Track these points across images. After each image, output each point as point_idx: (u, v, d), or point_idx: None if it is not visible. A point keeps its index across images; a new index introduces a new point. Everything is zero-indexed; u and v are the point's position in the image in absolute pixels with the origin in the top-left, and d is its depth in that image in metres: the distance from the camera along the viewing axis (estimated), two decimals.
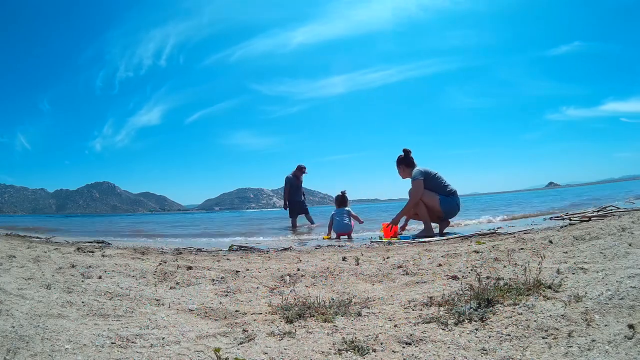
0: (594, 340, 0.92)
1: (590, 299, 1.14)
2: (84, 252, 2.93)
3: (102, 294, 1.62)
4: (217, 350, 0.98)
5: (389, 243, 3.56)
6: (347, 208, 4.92)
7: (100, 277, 1.93)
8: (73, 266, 2.16)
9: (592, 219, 3.68)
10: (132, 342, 1.10)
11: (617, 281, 1.24)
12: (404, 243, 3.48)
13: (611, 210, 4.56)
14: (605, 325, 0.99)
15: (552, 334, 0.98)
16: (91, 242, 4.34)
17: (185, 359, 1.00)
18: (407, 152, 4.59)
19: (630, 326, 0.94)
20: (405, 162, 4.55)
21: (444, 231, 4.46)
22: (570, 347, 0.91)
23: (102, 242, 4.35)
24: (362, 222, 5.14)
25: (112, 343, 1.08)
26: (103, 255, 2.71)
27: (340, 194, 5.05)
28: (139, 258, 2.65)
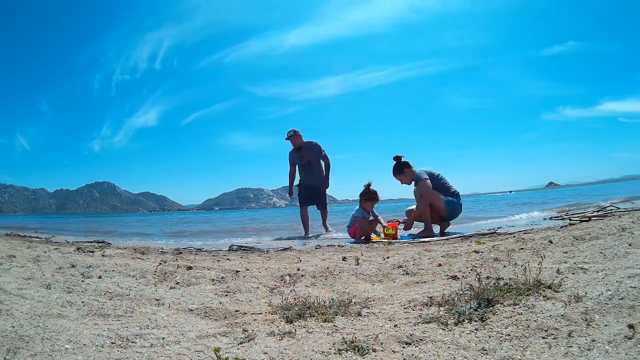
0: (594, 340, 0.92)
1: (590, 299, 1.14)
2: (84, 252, 2.92)
3: (102, 293, 1.62)
4: (217, 350, 0.98)
5: (389, 243, 3.56)
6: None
7: (100, 277, 1.93)
8: (73, 266, 2.15)
9: (592, 219, 3.68)
10: (132, 342, 1.10)
11: (617, 281, 1.24)
12: (404, 243, 3.48)
13: (611, 210, 4.56)
14: (605, 325, 0.99)
15: (552, 334, 0.98)
16: (91, 242, 4.34)
17: (185, 359, 1.00)
18: (400, 157, 4.54)
19: (630, 326, 0.94)
20: (406, 165, 4.48)
21: (444, 231, 4.46)
22: (570, 347, 0.91)
23: (102, 242, 4.35)
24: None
25: (112, 343, 1.08)
26: (103, 255, 2.71)
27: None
28: (139, 258, 2.65)
